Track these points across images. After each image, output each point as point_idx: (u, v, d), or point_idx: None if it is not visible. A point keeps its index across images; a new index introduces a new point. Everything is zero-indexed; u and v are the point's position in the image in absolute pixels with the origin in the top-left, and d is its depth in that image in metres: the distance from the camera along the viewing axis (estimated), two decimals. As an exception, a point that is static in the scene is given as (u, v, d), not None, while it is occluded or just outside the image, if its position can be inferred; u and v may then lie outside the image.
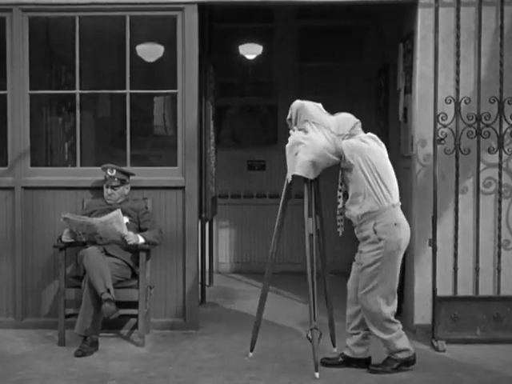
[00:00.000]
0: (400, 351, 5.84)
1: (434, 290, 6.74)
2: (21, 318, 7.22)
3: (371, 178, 5.72)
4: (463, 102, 6.75)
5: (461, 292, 6.87)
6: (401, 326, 5.86)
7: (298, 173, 5.93)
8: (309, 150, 5.88)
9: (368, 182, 5.72)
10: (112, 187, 6.97)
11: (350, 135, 5.90)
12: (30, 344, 6.74)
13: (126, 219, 6.80)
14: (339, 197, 5.99)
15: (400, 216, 5.81)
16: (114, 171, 6.97)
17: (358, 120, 6.00)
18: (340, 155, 5.82)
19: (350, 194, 5.85)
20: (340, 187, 5.98)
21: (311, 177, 5.94)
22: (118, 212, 6.67)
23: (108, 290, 6.35)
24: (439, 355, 6.47)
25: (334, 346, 6.41)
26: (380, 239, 5.71)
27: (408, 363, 5.88)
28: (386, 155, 5.91)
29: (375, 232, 5.71)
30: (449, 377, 5.87)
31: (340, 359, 6.04)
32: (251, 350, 6.29)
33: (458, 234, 6.83)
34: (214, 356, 6.41)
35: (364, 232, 5.79)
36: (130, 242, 6.64)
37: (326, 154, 5.84)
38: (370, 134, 5.98)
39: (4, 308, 7.25)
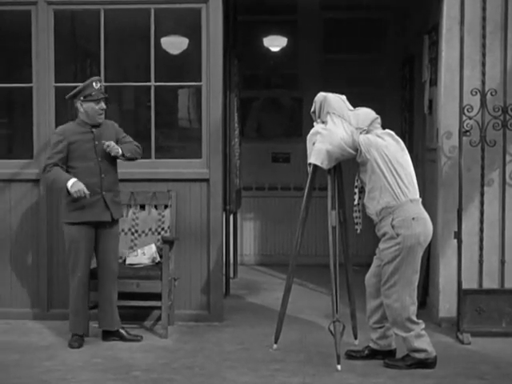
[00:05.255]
0: (418, 351, 5.79)
1: (460, 283, 6.71)
2: (46, 310, 7.27)
3: (388, 173, 5.70)
4: (489, 93, 6.71)
5: (486, 285, 6.83)
6: (422, 326, 5.80)
7: (312, 161, 5.97)
8: (325, 139, 5.90)
9: (384, 176, 5.70)
10: (105, 101, 6.51)
11: (368, 130, 5.90)
12: (55, 335, 6.79)
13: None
14: (355, 193, 5.99)
15: (419, 210, 5.78)
16: (100, 84, 6.57)
17: (377, 116, 5.99)
18: (356, 149, 5.82)
19: (367, 189, 5.84)
20: (356, 183, 5.98)
21: (325, 166, 5.95)
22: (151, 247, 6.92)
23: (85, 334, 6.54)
24: (464, 348, 6.44)
25: (356, 338, 6.41)
26: (398, 234, 5.68)
27: (426, 365, 5.79)
28: (404, 151, 5.87)
29: (393, 227, 5.69)
30: (474, 369, 5.84)
31: (366, 352, 6.03)
32: (275, 342, 6.30)
33: (483, 227, 6.80)
34: (238, 348, 6.42)
35: (383, 228, 5.77)
36: (112, 153, 6.41)
37: (342, 145, 5.84)
38: (387, 130, 5.96)
39: (30, 300, 7.31)
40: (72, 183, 6.27)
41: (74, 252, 6.43)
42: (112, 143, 6.40)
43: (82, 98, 6.44)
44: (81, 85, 6.49)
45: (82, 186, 6.27)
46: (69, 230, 6.45)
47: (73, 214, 6.42)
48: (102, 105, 6.49)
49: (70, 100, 6.59)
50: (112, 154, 6.42)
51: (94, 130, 6.48)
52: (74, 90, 6.49)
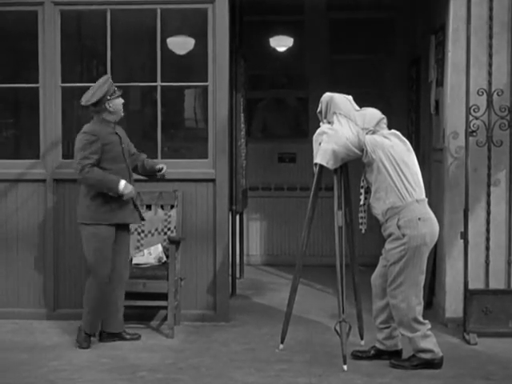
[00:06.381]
0: (424, 351, 5.78)
1: (466, 283, 6.70)
2: (53, 310, 7.28)
3: (393, 173, 5.69)
4: (495, 93, 6.70)
5: (493, 285, 6.82)
6: (429, 327, 5.80)
7: (318, 161, 5.97)
8: (331, 139, 5.90)
9: (390, 177, 5.69)
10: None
11: (374, 131, 5.89)
12: (61, 335, 6.80)
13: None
14: (361, 193, 5.99)
15: (425, 211, 5.77)
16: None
17: (383, 116, 5.98)
18: (362, 149, 5.81)
19: (373, 190, 5.83)
20: (362, 184, 5.97)
21: (331, 167, 5.94)
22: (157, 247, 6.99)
23: (94, 334, 6.51)
24: (471, 348, 6.43)
25: (362, 339, 6.40)
26: (404, 235, 5.68)
27: (432, 365, 5.78)
28: (411, 152, 5.86)
29: (399, 228, 5.69)
30: (480, 370, 5.83)
31: (372, 352, 6.03)
32: (282, 342, 6.30)
33: (489, 227, 6.79)
34: (244, 348, 6.42)
35: (388, 229, 5.77)
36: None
37: (347, 145, 5.84)
38: (393, 130, 5.96)
39: (36, 299, 7.32)
40: (124, 185, 6.31)
41: (99, 252, 6.36)
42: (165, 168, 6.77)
43: (108, 98, 6.37)
44: (103, 88, 6.33)
45: (132, 188, 6.37)
46: (97, 230, 6.36)
47: (104, 215, 6.38)
48: (122, 100, 6.53)
49: (90, 106, 6.41)
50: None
51: (116, 131, 6.49)
52: (99, 95, 6.32)
